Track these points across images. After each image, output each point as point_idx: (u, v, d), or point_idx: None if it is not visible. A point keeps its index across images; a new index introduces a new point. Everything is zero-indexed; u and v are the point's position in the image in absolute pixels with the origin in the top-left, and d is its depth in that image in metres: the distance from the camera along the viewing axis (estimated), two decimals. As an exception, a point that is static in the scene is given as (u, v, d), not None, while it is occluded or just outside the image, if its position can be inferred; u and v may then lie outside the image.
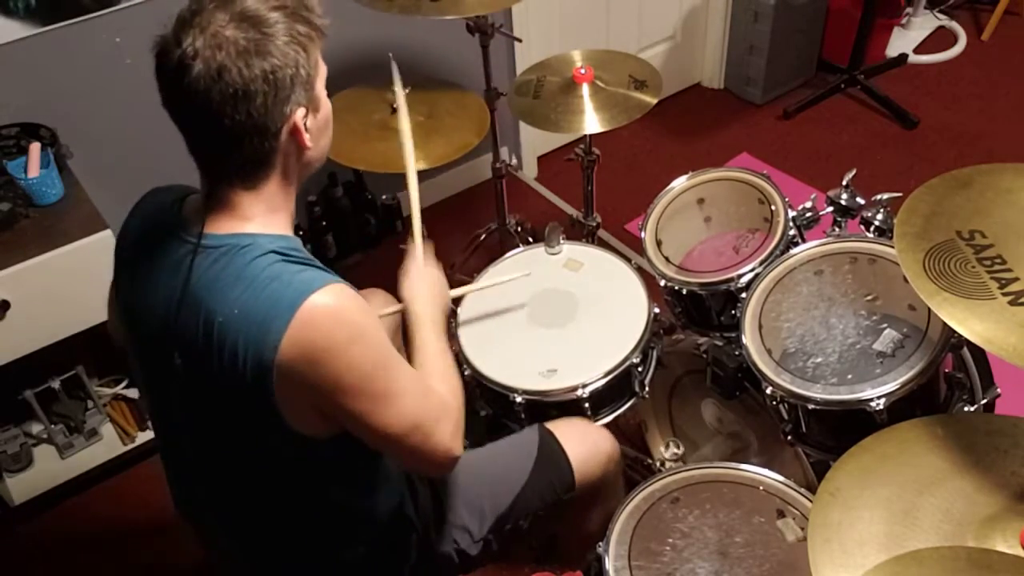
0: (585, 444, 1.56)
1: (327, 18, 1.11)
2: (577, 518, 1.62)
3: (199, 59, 1.01)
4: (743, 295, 1.61)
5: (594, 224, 2.36)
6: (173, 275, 1.12)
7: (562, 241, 1.92)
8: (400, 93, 1.64)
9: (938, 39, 3.76)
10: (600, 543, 1.38)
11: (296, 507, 1.27)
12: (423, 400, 1.19)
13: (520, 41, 2.74)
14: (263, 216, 1.14)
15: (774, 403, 1.52)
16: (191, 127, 1.08)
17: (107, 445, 2.32)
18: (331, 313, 1.07)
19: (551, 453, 1.53)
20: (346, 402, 1.11)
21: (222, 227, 1.12)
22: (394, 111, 2.00)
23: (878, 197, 1.67)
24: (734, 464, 1.47)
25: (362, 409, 1.12)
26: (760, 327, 1.56)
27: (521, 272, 1.76)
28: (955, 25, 3.78)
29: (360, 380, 1.10)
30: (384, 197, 2.90)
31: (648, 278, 1.81)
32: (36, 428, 2.33)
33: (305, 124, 1.11)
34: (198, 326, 1.09)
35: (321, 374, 1.07)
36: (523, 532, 1.51)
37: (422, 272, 1.42)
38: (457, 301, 1.78)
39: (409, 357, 1.30)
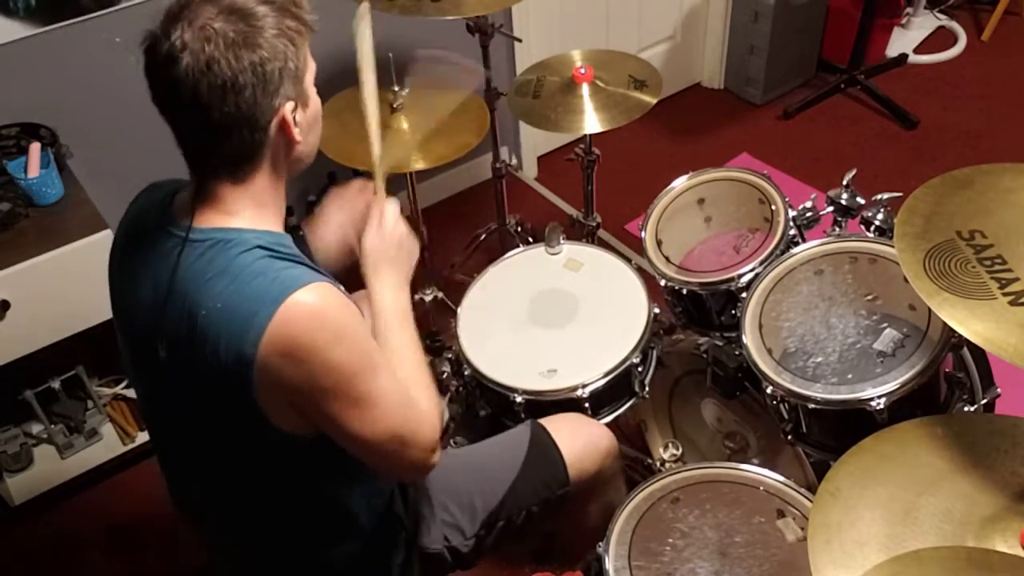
0: (580, 439, 1.56)
1: (315, 14, 1.11)
2: (575, 513, 1.61)
3: (188, 51, 1.01)
4: (743, 295, 1.61)
5: (594, 224, 2.36)
6: (161, 269, 1.12)
7: (562, 241, 1.92)
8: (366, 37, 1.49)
9: (938, 39, 3.76)
10: (600, 543, 1.38)
11: (283, 503, 1.26)
12: (403, 408, 1.17)
13: (520, 41, 2.74)
14: (251, 211, 1.13)
15: (774, 403, 1.52)
16: (180, 120, 1.08)
17: (107, 445, 2.32)
18: (314, 312, 1.07)
19: (543, 448, 1.53)
20: (323, 403, 1.10)
21: (209, 221, 1.12)
22: (394, 111, 2.00)
23: (878, 197, 1.67)
24: (734, 464, 1.47)
25: (338, 412, 1.11)
26: (760, 327, 1.56)
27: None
28: (955, 25, 3.78)
29: (338, 382, 1.09)
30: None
31: (648, 278, 1.81)
32: (36, 428, 2.33)
33: (294, 118, 1.11)
34: (182, 319, 1.09)
35: (299, 373, 1.06)
36: (517, 529, 1.51)
37: (385, 244, 1.31)
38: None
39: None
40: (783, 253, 1.65)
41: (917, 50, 3.67)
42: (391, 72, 1.97)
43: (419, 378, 1.24)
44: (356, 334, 1.11)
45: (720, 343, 1.74)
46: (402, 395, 1.18)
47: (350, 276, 1.34)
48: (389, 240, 1.32)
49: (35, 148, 2.00)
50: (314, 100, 1.16)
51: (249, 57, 1.03)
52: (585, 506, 1.61)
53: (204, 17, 1.02)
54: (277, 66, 1.05)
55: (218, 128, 1.06)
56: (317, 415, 1.12)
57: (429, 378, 1.26)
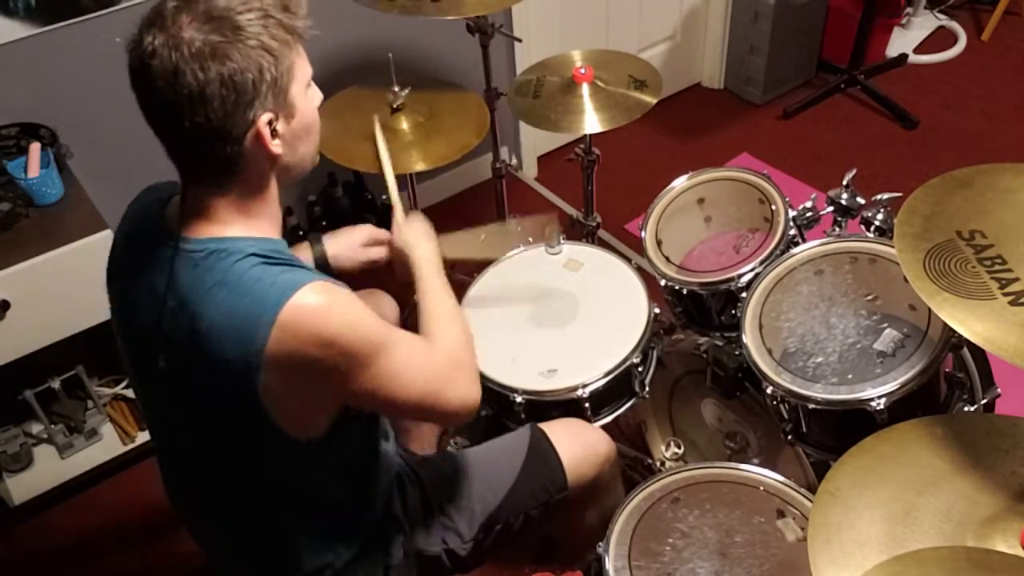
0: (578, 444, 1.56)
1: (310, 20, 1.08)
2: (572, 518, 1.61)
3: (156, 58, 1.00)
4: (743, 295, 1.61)
5: (594, 224, 2.36)
6: (157, 276, 1.12)
7: (562, 241, 1.92)
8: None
9: (938, 39, 3.76)
10: (600, 543, 1.38)
11: (282, 506, 1.26)
12: (428, 365, 1.21)
13: (520, 41, 2.74)
14: (240, 220, 1.12)
15: (774, 403, 1.52)
16: (157, 126, 1.07)
17: (107, 445, 2.32)
18: (317, 310, 1.07)
19: (542, 453, 1.53)
20: (347, 386, 1.12)
21: (201, 231, 1.11)
22: (395, 111, 2.00)
23: (878, 197, 1.67)
24: (734, 464, 1.47)
25: (367, 389, 1.13)
26: (760, 327, 1.56)
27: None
28: (955, 25, 3.78)
29: (357, 366, 1.10)
30: (384, 197, 2.90)
31: (648, 278, 1.81)
32: (36, 428, 2.33)
33: (275, 130, 1.08)
34: (183, 329, 1.09)
35: (311, 369, 1.07)
36: (515, 533, 1.51)
37: (409, 221, 1.50)
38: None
39: (418, 302, 1.36)
40: (783, 253, 1.65)
41: (917, 50, 3.67)
42: (391, 72, 1.97)
43: (449, 315, 1.34)
44: (362, 320, 1.11)
45: (720, 343, 1.74)
46: (425, 352, 1.23)
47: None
48: (413, 222, 1.50)
49: (35, 148, 2.00)
50: (303, 109, 1.12)
51: (217, 68, 1.00)
52: (583, 511, 1.61)
53: (177, 24, 1.00)
54: (250, 78, 1.02)
55: (190, 137, 1.04)
56: (347, 398, 1.15)
57: (459, 314, 1.36)
